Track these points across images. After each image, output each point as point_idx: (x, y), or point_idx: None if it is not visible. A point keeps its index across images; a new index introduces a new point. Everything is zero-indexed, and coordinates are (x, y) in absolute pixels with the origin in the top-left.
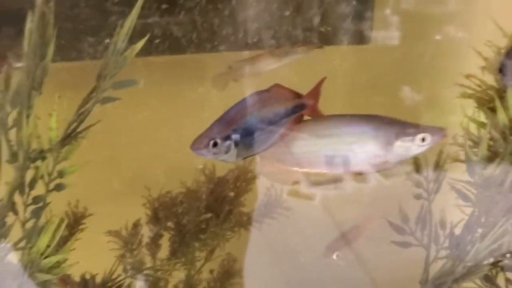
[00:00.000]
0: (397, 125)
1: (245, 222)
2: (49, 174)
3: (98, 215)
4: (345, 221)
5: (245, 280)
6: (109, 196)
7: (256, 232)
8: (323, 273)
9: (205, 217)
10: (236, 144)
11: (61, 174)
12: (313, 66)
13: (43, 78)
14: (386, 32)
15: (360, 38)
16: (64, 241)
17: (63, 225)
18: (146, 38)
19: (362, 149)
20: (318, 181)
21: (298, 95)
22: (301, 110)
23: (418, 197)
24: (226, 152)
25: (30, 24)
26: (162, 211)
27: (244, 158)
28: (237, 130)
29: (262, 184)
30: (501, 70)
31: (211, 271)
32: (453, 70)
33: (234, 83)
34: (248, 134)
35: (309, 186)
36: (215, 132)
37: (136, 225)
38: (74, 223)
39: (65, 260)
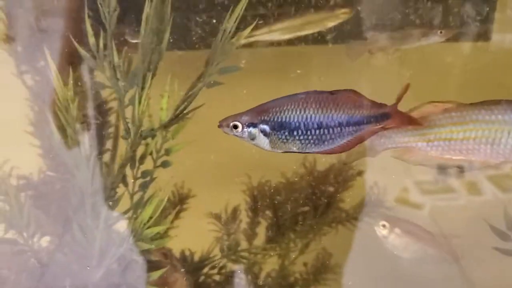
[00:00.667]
0: None
1: (343, 219)
2: (157, 151)
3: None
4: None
5: (339, 276)
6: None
7: (356, 231)
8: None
9: (302, 210)
10: (266, 134)
11: (167, 152)
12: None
13: (159, 62)
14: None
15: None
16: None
17: (165, 199)
18: (252, 26)
19: None
20: (429, 190)
21: (376, 105)
22: (382, 120)
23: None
24: (252, 138)
25: (147, 9)
26: (261, 199)
27: (287, 152)
28: (268, 122)
29: (366, 182)
30: None
31: (305, 264)
32: None
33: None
34: (284, 129)
35: (420, 195)
36: (243, 116)
37: (235, 210)
38: (179, 202)
39: (166, 232)
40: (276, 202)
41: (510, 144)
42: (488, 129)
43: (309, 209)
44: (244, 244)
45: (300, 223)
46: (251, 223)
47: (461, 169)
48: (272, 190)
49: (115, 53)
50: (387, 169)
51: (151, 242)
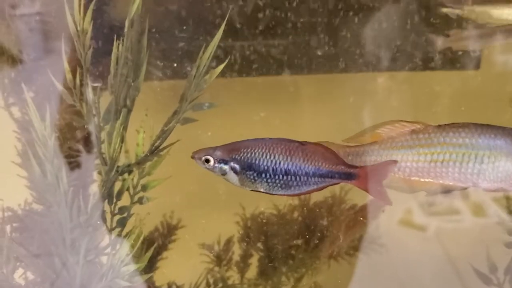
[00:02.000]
0: None
1: (335, 253)
2: (134, 187)
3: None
4: (459, 258)
5: None
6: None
7: (363, 260)
8: None
9: (294, 243)
10: (236, 172)
11: (144, 188)
12: None
13: (135, 97)
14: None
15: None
16: (157, 250)
17: (142, 237)
18: (225, 63)
19: (493, 164)
20: (433, 212)
21: (344, 163)
22: (347, 179)
23: (509, 246)
24: (223, 174)
25: (116, 51)
26: (253, 231)
27: (254, 190)
28: (238, 161)
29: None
30: None
31: None
32: None
33: None
34: (253, 170)
35: (424, 216)
36: (215, 151)
37: (228, 241)
38: (168, 233)
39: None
40: (267, 233)
41: (477, 169)
42: (456, 152)
43: (300, 243)
44: (235, 277)
45: (292, 256)
46: (244, 255)
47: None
48: (264, 222)
49: (90, 89)
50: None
51: (129, 278)
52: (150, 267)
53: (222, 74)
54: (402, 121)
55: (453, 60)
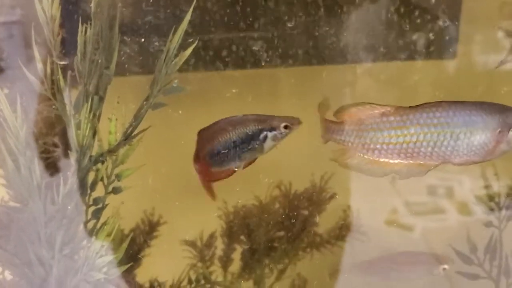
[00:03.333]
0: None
1: (317, 244)
2: (108, 177)
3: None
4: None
5: None
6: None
7: (346, 259)
8: None
9: (276, 235)
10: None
11: (118, 177)
12: None
13: (107, 85)
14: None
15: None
16: (139, 247)
17: (116, 226)
18: (193, 46)
19: (469, 139)
20: (419, 211)
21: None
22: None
23: (488, 224)
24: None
25: (82, 35)
26: (235, 224)
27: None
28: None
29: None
30: None
31: None
32: None
33: None
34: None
35: (409, 216)
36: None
37: (211, 236)
38: (149, 230)
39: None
40: (250, 226)
41: (452, 146)
42: (431, 132)
43: (282, 234)
44: (219, 271)
45: (274, 248)
46: (227, 249)
47: None
48: (246, 214)
49: (61, 78)
50: (376, 191)
51: (104, 270)
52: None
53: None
54: (372, 103)
55: (429, 50)
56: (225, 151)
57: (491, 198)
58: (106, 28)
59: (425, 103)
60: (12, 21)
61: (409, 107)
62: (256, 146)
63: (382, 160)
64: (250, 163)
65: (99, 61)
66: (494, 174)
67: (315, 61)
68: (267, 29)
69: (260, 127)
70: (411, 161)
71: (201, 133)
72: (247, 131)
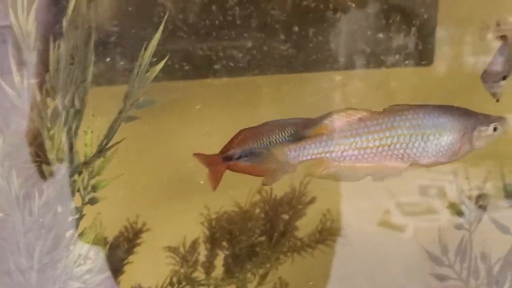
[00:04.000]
0: (473, 115)
1: (298, 247)
2: (84, 188)
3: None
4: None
5: None
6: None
7: (337, 262)
8: None
9: (258, 239)
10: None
11: (94, 188)
12: None
13: (84, 98)
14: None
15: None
16: (122, 254)
17: (92, 236)
18: (164, 60)
19: (437, 140)
20: (411, 211)
21: None
22: None
23: (459, 227)
24: None
25: (55, 52)
26: (218, 230)
27: None
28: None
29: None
30: (482, 77)
31: None
32: None
33: None
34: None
35: (402, 216)
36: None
37: (194, 243)
38: (133, 237)
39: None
40: (231, 232)
41: (422, 147)
42: (404, 134)
43: (264, 239)
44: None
45: (256, 252)
46: (209, 255)
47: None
48: (227, 221)
49: (37, 91)
50: (367, 192)
51: (81, 279)
52: (115, 271)
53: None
54: (349, 109)
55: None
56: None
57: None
58: (81, 43)
59: (394, 105)
60: (5, 25)
61: (383, 110)
62: None
63: (358, 165)
64: None
65: (74, 75)
66: (466, 178)
67: (292, 69)
68: (241, 38)
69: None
70: (384, 164)
71: (244, 131)
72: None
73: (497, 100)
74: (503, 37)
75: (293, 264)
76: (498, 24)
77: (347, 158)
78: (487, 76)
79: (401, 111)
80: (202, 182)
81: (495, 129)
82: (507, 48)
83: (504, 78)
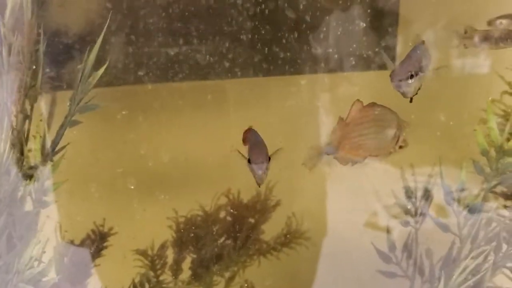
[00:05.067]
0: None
1: (264, 250)
2: (36, 192)
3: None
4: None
5: None
6: None
7: (324, 266)
8: None
9: (222, 243)
10: None
11: (45, 192)
12: None
13: (33, 104)
14: None
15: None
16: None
17: (43, 241)
18: (105, 65)
19: (389, 133)
20: (396, 213)
21: None
22: None
23: (405, 224)
24: None
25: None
26: (184, 233)
27: None
28: None
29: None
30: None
31: None
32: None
33: None
34: None
35: (387, 218)
36: None
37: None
38: (100, 240)
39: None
40: (198, 235)
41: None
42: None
43: (229, 242)
44: (169, 280)
45: (221, 256)
46: (177, 258)
47: None
48: (193, 224)
49: None
50: (356, 194)
51: (32, 282)
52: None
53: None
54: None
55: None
56: None
57: (409, 198)
58: (28, 50)
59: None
60: None
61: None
62: None
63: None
64: None
65: (23, 80)
66: (412, 174)
67: (260, 73)
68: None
69: None
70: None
71: None
72: None
73: (410, 101)
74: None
75: (260, 266)
76: (465, 32)
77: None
78: (393, 75)
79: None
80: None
81: None
82: (420, 48)
83: (411, 76)
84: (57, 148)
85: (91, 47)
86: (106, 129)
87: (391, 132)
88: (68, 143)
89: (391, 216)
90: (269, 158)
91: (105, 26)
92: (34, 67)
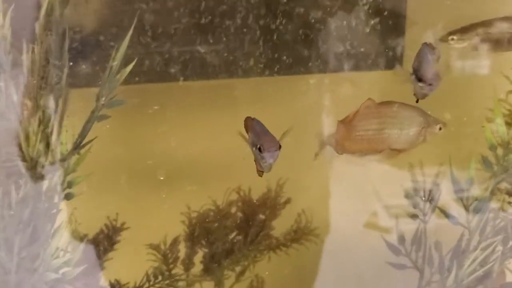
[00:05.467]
0: (427, 115)
1: (273, 246)
2: (61, 184)
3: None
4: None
5: None
6: None
7: (325, 265)
8: None
9: (235, 238)
10: None
11: (70, 185)
12: None
13: (58, 99)
14: None
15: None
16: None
17: (68, 230)
18: (133, 62)
19: (409, 130)
20: (396, 213)
21: None
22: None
23: (413, 217)
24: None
25: (29, 55)
26: (198, 229)
27: None
28: None
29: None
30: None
31: None
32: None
33: None
34: None
35: (388, 218)
36: None
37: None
38: (113, 234)
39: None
40: (210, 230)
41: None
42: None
43: (240, 237)
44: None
45: (232, 250)
46: (189, 253)
47: None
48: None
49: (14, 93)
50: (355, 194)
51: (58, 271)
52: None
53: None
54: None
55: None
56: None
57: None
58: (55, 46)
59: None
60: None
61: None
62: None
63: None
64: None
65: (49, 77)
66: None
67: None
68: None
69: None
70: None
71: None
72: None
73: (417, 101)
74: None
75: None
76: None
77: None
78: (425, 79)
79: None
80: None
81: (439, 128)
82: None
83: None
84: (83, 142)
85: (119, 44)
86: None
87: (409, 129)
88: (96, 137)
89: (399, 210)
90: (280, 146)
91: (133, 23)
92: (59, 63)
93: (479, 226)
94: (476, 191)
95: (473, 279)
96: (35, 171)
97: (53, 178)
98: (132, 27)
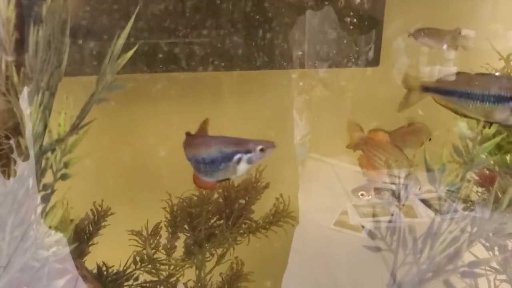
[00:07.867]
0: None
1: (253, 229)
2: (57, 165)
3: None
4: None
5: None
6: None
7: (297, 261)
8: None
9: (216, 222)
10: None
11: (66, 165)
12: None
13: (58, 83)
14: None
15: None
16: (88, 237)
17: (63, 209)
18: (135, 48)
19: None
20: (366, 213)
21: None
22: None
23: (389, 204)
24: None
25: (34, 37)
26: (179, 214)
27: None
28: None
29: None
30: None
31: (221, 274)
32: None
33: None
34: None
35: (357, 218)
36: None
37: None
38: (98, 220)
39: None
40: (192, 215)
41: None
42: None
43: (221, 221)
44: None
45: (214, 234)
46: (171, 237)
47: None
48: (188, 205)
49: (14, 74)
50: (327, 192)
51: (50, 249)
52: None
53: None
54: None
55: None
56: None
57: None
58: (57, 31)
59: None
60: None
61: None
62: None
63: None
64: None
65: (50, 60)
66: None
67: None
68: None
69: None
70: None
71: (188, 138)
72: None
73: None
74: None
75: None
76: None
77: None
78: None
79: None
80: None
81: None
82: None
83: None
84: (81, 124)
85: (119, 33)
86: None
87: None
88: (94, 119)
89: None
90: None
91: (136, 10)
92: (61, 46)
93: (450, 210)
94: (447, 178)
95: (443, 257)
96: (32, 151)
97: (49, 158)
98: (135, 13)
